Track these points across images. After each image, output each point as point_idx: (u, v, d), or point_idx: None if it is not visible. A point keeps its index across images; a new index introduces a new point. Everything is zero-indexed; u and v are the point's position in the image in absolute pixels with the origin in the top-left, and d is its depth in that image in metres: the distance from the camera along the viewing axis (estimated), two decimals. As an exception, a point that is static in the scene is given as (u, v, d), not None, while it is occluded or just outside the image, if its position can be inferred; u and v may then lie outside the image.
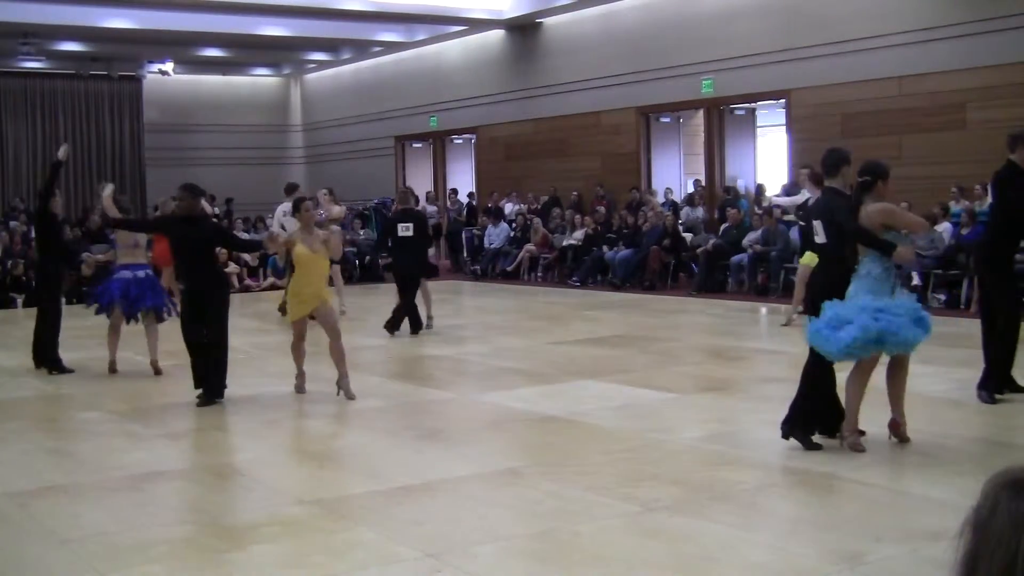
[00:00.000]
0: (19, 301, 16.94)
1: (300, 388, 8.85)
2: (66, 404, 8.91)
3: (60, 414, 8.57)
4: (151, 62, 25.71)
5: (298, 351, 8.75)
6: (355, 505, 5.63)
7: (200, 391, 8.45)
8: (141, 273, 10.01)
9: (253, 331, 13.44)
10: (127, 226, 9.93)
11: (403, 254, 12.33)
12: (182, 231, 8.58)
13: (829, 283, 6.42)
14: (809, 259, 12.17)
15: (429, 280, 12.80)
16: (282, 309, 14.17)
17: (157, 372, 9.83)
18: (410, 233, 12.22)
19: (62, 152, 10.33)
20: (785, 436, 6.44)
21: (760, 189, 18.25)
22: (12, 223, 19.83)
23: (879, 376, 7.73)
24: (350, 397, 8.39)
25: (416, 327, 12.41)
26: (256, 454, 7.05)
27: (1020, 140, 7.51)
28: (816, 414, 6.48)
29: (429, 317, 12.69)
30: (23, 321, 15.28)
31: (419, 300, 12.51)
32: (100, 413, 8.34)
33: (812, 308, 6.47)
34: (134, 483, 6.13)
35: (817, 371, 6.45)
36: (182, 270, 9.09)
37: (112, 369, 9.99)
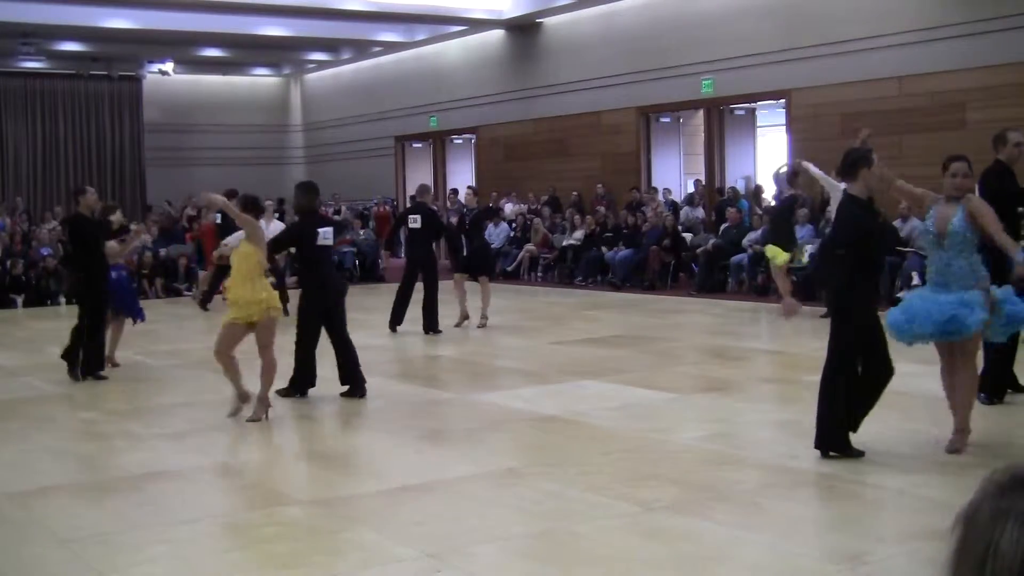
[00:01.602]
0: (19, 301, 16.94)
1: (235, 410, 7.71)
2: (66, 404, 8.90)
3: (60, 414, 8.56)
4: (151, 62, 25.71)
5: (223, 360, 7.68)
6: (355, 505, 5.64)
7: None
8: (122, 273, 10.29)
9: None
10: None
11: (412, 246, 12.70)
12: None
13: (851, 292, 6.08)
14: (772, 252, 12.11)
15: (476, 279, 12.83)
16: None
17: (112, 365, 10.06)
18: (418, 225, 12.42)
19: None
20: (824, 455, 6.14)
21: (759, 190, 18.24)
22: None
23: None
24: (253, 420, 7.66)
25: (395, 323, 12.52)
26: (256, 454, 7.07)
27: (1001, 139, 7.71)
28: (843, 420, 6.16)
29: (483, 316, 12.71)
30: (23, 321, 15.29)
31: (425, 298, 12.49)
32: (100, 413, 8.34)
33: (836, 312, 6.22)
34: (134, 483, 6.13)
35: (836, 381, 6.11)
36: None
37: (111, 363, 10.16)
